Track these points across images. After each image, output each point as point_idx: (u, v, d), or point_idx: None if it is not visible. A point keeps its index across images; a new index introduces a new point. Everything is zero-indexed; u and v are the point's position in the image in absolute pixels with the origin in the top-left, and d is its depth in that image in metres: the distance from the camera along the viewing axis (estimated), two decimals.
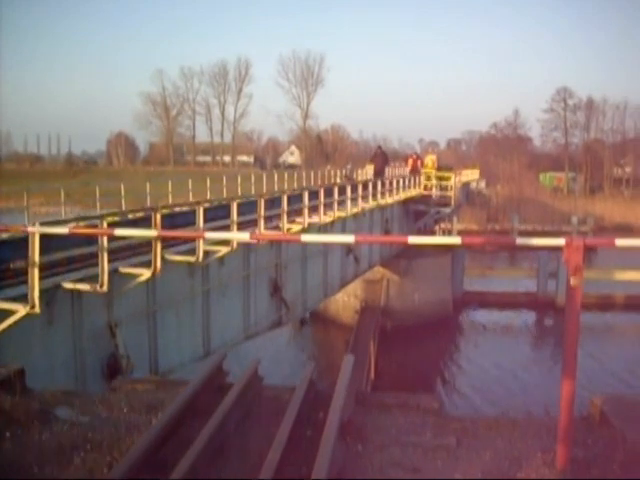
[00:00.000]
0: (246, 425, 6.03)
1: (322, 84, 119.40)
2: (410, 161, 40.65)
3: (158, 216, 11.74)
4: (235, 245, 14.36)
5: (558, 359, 30.42)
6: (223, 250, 14.27)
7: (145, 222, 12.98)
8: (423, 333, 30.89)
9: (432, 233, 43.65)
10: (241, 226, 15.10)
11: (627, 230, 67.07)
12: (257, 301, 17.40)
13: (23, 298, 9.77)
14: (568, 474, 5.19)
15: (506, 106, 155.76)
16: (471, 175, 57.44)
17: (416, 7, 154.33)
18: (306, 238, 5.25)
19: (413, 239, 5.09)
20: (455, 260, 37.31)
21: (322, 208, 19.96)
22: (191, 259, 13.40)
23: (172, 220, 15.13)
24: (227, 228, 14.49)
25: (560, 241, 5.08)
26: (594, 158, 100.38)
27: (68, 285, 10.84)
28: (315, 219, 19.41)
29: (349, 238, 4.99)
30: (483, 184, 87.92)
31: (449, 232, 52.66)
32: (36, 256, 9.54)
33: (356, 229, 24.46)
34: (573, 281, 4.97)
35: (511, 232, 60.21)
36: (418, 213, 36.44)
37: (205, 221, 13.42)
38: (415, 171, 38.05)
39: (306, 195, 18.73)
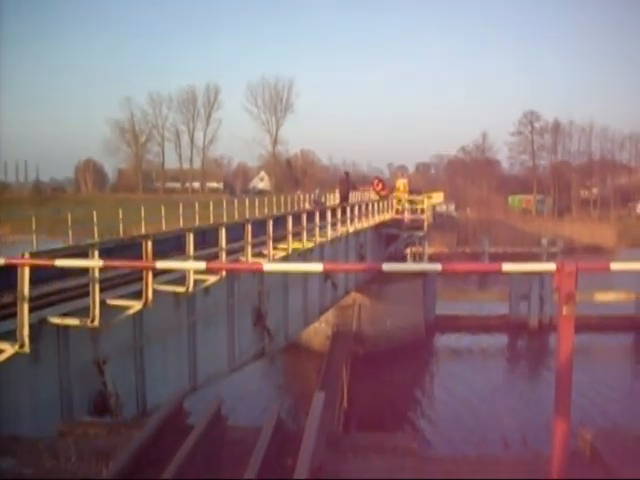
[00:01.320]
0: (208, 473, 5.47)
1: (291, 109, 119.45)
2: (374, 184, 40.08)
3: (149, 244, 11.07)
4: (224, 273, 13.85)
5: (533, 382, 30.19)
6: (211, 279, 13.70)
7: (126, 250, 12.33)
8: (396, 358, 30.38)
9: (403, 257, 43.38)
10: (229, 252, 14.79)
11: (597, 251, 67.52)
12: (241, 331, 16.80)
13: (8, 335, 9.00)
14: None
15: (474, 130, 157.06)
16: (435, 198, 57.34)
17: (384, 33, 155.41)
18: (268, 267, 4.75)
19: (388, 267, 4.62)
20: (427, 284, 36.96)
21: (305, 234, 19.87)
22: (180, 289, 12.79)
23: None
24: (215, 255, 14.12)
25: (550, 266, 4.65)
26: (561, 180, 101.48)
27: (55, 320, 10.04)
28: (297, 245, 19.17)
29: (317, 267, 4.50)
30: (452, 207, 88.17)
31: (420, 256, 52.37)
32: (25, 290, 8.75)
33: (333, 254, 24.21)
34: (566, 310, 4.53)
35: (482, 255, 59.98)
36: (390, 237, 36.14)
37: (195, 248, 13.00)
38: (381, 194, 37.57)
39: (290, 221, 18.55)
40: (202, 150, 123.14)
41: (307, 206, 34.57)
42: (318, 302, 23.50)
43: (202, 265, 4.91)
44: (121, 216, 22.03)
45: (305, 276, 21.27)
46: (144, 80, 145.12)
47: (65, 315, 10.32)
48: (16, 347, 8.80)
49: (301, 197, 38.58)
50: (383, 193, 36.98)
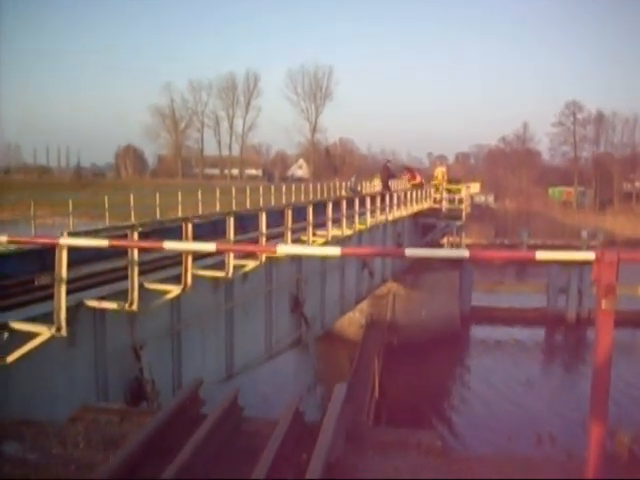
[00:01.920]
0: (219, 465, 5.21)
1: (330, 97, 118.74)
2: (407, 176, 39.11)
3: (189, 226, 10.85)
4: (264, 259, 13.66)
5: (569, 377, 29.53)
6: (250, 264, 13.49)
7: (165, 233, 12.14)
8: (430, 349, 29.93)
9: (440, 247, 42.82)
10: (268, 237, 14.58)
11: (638, 244, 65.96)
12: (278, 318, 16.56)
13: (45, 318, 8.80)
14: None
15: (515, 120, 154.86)
16: (472, 188, 56.12)
17: (427, 21, 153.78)
18: (282, 250, 4.47)
19: (410, 252, 4.28)
20: (463, 275, 36.39)
21: (344, 221, 19.72)
22: (220, 274, 12.57)
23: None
24: (256, 240, 13.97)
25: (589, 255, 4.25)
26: (604, 172, 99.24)
27: (92, 303, 9.81)
28: (337, 232, 18.97)
29: (335, 250, 4.18)
30: (491, 199, 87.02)
31: (457, 246, 51.74)
32: (63, 271, 8.44)
33: (370, 242, 23.91)
34: (605, 303, 4.12)
35: (520, 246, 59.14)
36: (427, 226, 35.58)
37: (235, 232, 12.86)
38: (413, 184, 36.60)
39: (330, 207, 18.34)
40: (241, 137, 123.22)
41: (343, 193, 34.15)
42: (355, 291, 23.25)
43: (212, 247, 4.64)
44: (158, 201, 21.97)
45: (343, 263, 21.10)
46: (185, 66, 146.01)
47: (102, 298, 10.10)
48: (53, 330, 8.55)
49: (337, 185, 38.21)
50: (414, 182, 36.08)
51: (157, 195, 22.44)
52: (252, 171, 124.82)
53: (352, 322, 32.71)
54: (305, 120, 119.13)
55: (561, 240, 61.78)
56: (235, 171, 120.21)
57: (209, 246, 4.43)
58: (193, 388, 6.34)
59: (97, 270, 12.18)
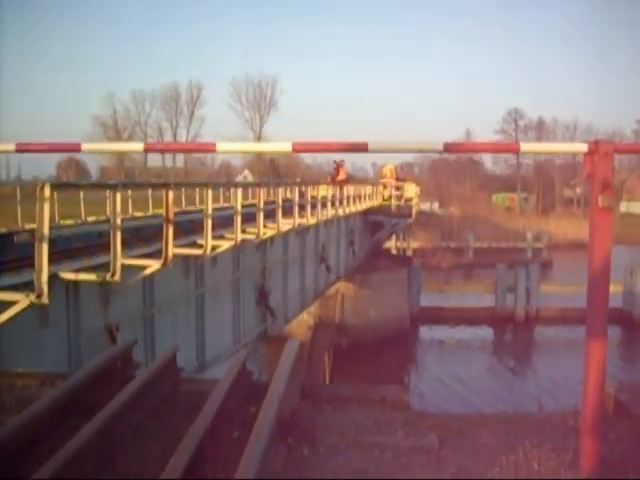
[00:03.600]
0: (153, 423, 4.41)
1: (275, 107, 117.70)
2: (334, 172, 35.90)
3: (170, 194, 9.90)
4: (239, 239, 13.04)
5: (520, 373, 29.30)
6: (225, 245, 12.77)
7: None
8: (380, 350, 29.30)
9: (387, 250, 42.53)
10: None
11: (581, 246, 66.81)
12: (245, 309, 15.78)
13: (20, 288, 7.73)
14: (599, 476, 3.69)
15: (458, 128, 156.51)
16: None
17: (370, 33, 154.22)
18: (222, 147, 3.76)
19: (374, 146, 3.57)
20: (411, 275, 35.95)
21: (309, 210, 19.48)
22: (198, 252, 11.75)
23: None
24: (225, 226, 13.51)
25: (582, 146, 3.64)
26: (545, 179, 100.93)
27: (68, 275, 8.56)
28: (302, 220, 18.56)
29: (286, 146, 3.45)
30: (436, 205, 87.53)
31: (404, 250, 51.62)
32: (45, 226, 7.38)
33: (327, 236, 23.45)
34: (602, 200, 3.52)
35: (466, 250, 59.43)
36: (376, 225, 34.91)
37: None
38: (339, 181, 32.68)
39: (296, 200, 18.37)
40: None
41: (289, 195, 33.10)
42: (313, 285, 22.54)
43: (140, 146, 3.90)
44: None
45: (303, 256, 20.59)
46: (126, 77, 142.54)
47: (78, 271, 8.94)
48: (32, 297, 7.42)
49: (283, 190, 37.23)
50: (338, 178, 33.43)
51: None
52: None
53: (300, 324, 31.84)
54: (250, 130, 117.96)
55: (506, 242, 62.22)
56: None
57: (137, 146, 3.68)
58: (123, 348, 5.53)
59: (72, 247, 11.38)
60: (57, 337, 8.98)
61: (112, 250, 8.72)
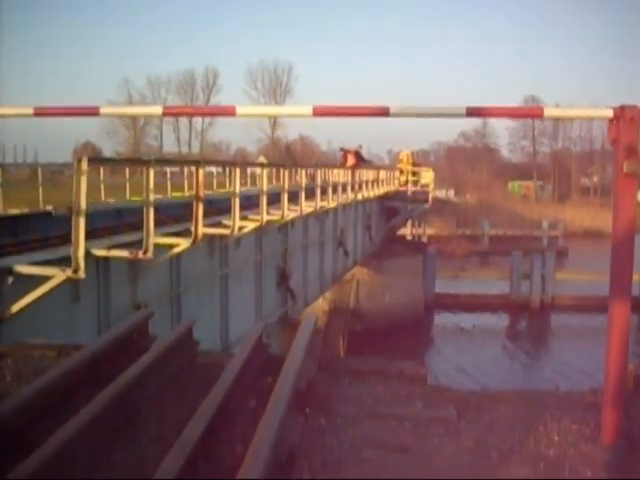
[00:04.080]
0: (166, 395, 4.39)
1: (290, 94, 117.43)
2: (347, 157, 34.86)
3: (201, 172, 9.90)
4: (264, 220, 13.17)
5: (535, 359, 29.21)
6: (250, 225, 12.86)
7: None
8: (394, 335, 29.28)
9: (402, 237, 42.40)
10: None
11: (597, 235, 66.38)
12: (267, 291, 15.91)
13: (55, 263, 7.78)
14: (622, 449, 3.63)
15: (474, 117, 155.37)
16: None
17: (383, 20, 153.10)
18: (242, 111, 3.74)
19: (395, 109, 3.50)
20: (426, 261, 35.85)
21: (330, 194, 20.02)
22: (225, 231, 11.81)
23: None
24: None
25: (607, 111, 3.56)
26: (562, 167, 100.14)
27: (100, 252, 8.57)
28: (323, 203, 18.97)
29: (307, 109, 3.40)
30: (452, 193, 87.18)
31: (419, 237, 51.42)
32: (82, 200, 7.34)
33: (344, 220, 23.52)
34: (627, 166, 3.45)
35: (481, 237, 59.19)
36: (392, 211, 34.76)
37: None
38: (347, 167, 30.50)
39: (319, 182, 18.80)
40: (200, 134, 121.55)
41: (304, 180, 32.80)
42: (332, 270, 22.72)
43: (158, 109, 3.88)
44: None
45: (322, 240, 20.69)
46: (142, 63, 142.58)
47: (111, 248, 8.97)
48: (68, 272, 7.39)
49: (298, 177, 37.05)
50: (347, 164, 32.20)
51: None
52: (212, 168, 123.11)
53: (315, 309, 31.84)
54: (265, 117, 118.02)
55: (522, 230, 61.87)
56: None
57: (156, 109, 3.59)
58: (138, 320, 5.51)
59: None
60: (88, 313, 9.07)
61: (145, 227, 8.66)
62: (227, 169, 17.39)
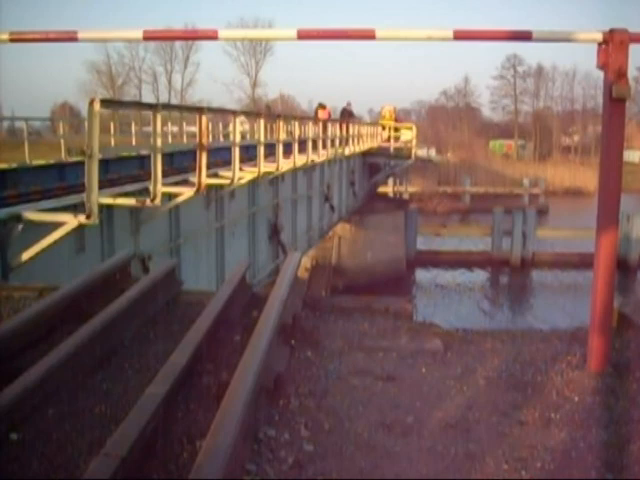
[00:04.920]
0: (149, 330, 4.33)
1: (271, 52, 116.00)
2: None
3: (204, 119, 9.70)
4: (262, 170, 13.06)
5: (516, 313, 29.48)
6: (248, 176, 12.75)
7: None
8: (376, 292, 29.30)
9: (384, 194, 42.24)
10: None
11: (577, 193, 66.77)
12: (260, 244, 15.87)
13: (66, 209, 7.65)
14: (608, 375, 3.63)
15: (456, 75, 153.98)
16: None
17: None
18: (224, 34, 3.61)
19: (381, 33, 3.40)
20: (408, 218, 35.79)
21: (320, 148, 19.85)
22: (226, 181, 11.73)
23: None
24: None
25: (596, 35, 3.49)
26: (543, 126, 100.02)
27: (106, 200, 8.31)
28: (314, 157, 18.57)
29: (290, 33, 3.27)
30: (433, 152, 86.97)
31: (401, 195, 51.33)
32: (95, 143, 7.05)
33: (330, 175, 23.30)
34: (616, 91, 3.38)
35: (463, 195, 59.26)
36: (374, 167, 34.52)
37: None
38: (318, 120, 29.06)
39: (310, 135, 18.63)
40: (180, 93, 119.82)
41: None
42: (319, 224, 22.51)
43: (139, 33, 3.75)
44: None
45: (310, 194, 20.50)
46: (119, 22, 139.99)
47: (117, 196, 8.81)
48: (81, 218, 7.21)
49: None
50: (320, 117, 30.72)
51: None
52: (192, 128, 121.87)
53: None
54: (245, 75, 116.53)
55: (503, 188, 61.99)
56: (175, 128, 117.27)
57: (136, 33, 3.48)
58: (121, 261, 5.42)
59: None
60: (93, 263, 8.86)
61: (152, 173, 8.43)
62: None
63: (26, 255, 7.12)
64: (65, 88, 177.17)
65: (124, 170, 14.40)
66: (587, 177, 74.00)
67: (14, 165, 14.26)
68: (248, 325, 4.11)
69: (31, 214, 7.26)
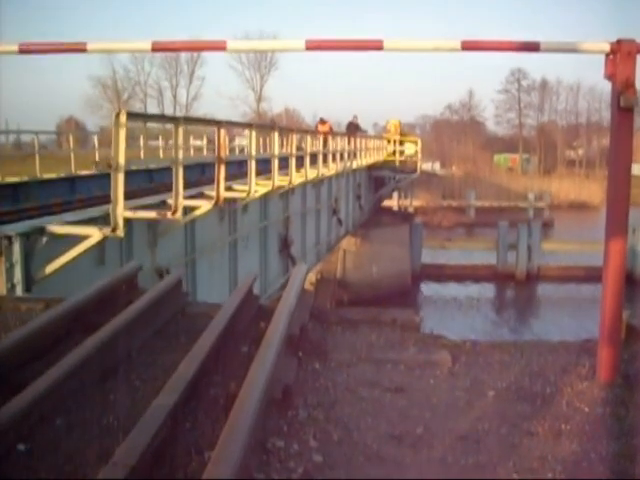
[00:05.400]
0: (156, 342, 4.32)
1: (276, 66, 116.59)
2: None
3: (222, 132, 9.76)
4: (276, 182, 13.17)
5: (522, 326, 29.36)
6: (263, 189, 12.83)
7: None
8: (381, 306, 29.19)
9: (389, 209, 42.25)
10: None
11: (582, 207, 66.70)
12: (271, 257, 15.89)
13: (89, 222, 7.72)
14: (618, 387, 3.60)
15: (460, 90, 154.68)
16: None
17: None
18: (233, 46, 3.63)
19: (390, 42, 3.41)
20: (413, 231, 35.79)
21: (330, 161, 20.15)
22: (241, 195, 11.83)
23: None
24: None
25: (603, 46, 3.49)
26: (548, 140, 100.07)
27: (127, 213, 8.02)
28: (323, 170, 18.85)
29: (299, 43, 3.28)
30: (438, 165, 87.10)
31: (406, 209, 51.37)
32: (121, 155, 7.01)
33: (337, 189, 23.39)
34: (624, 101, 3.39)
35: (467, 209, 59.23)
36: (379, 181, 34.55)
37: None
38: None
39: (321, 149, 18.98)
40: (185, 108, 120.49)
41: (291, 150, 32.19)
42: (327, 238, 22.56)
43: (147, 45, 3.77)
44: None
45: (318, 208, 20.48)
46: (124, 36, 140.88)
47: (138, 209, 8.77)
48: (106, 231, 7.19)
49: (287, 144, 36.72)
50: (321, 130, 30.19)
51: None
52: (197, 142, 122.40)
53: None
54: (250, 90, 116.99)
55: (508, 202, 61.95)
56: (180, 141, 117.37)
57: (145, 45, 3.52)
58: (128, 273, 5.43)
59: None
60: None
61: (174, 186, 8.43)
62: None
63: (50, 268, 7.13)
64: (70, 103, 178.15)
65: (134, 183, 14.60)
66: (592, 190, 73.97)
67: (25, 178, 14.46)
68: (256, 337, 4.10)
69: (55, 227, 7.27)
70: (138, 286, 5.44)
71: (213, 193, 9.90)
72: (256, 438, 2.83)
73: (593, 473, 2.82)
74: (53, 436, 2.98)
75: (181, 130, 8.74)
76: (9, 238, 6.58)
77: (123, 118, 6.98)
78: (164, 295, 4.83)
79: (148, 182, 16.92)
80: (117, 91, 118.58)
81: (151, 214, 8.67)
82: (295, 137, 15.53)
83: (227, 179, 12.06)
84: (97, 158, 21.33)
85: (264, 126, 15.26)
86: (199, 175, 16.70)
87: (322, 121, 34.48)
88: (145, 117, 8.67)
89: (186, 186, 11.11)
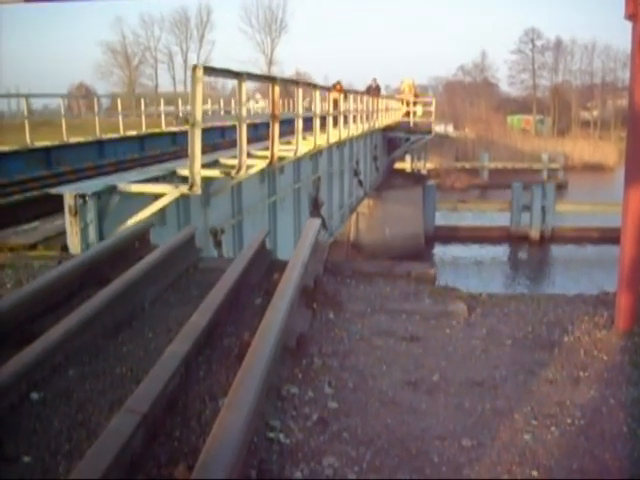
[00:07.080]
0: (169, 295, 4.29)
1: (286, 29, 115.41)
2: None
3: (277, 88, 9.56)
4: (317, 144, 13.35)
5: (537, 286, 29.28)
6: (305, 148, 12.76)
7: None
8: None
9: (402, 170, 41.99)
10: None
11: (598, 169, 66.07)
12: (303, 220, 15.58)
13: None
14: (637, 335, 3.54)
15: (474, 50, 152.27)
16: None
17: None
18: None
19: None
20: (426, 193, 35.56)
21: (351, 122, 19.49)
22: (289, 154, 11.70)
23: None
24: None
25: None
26: (562, 101, 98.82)
27: (184, 172, 7.99)
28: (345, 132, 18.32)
29: None
30: (451, 128, 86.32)
31: (419, 171, 51.04)
32: (199, 110, 6.89)
33: (357, 150, 23.32)
34: None
35: (481, 170, 58.79)
36: (392, 143, 34.23)
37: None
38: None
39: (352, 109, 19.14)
40: None
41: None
42: (349, 200, 22.52)
43: None
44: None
45: (342, 169, 20.47)
46: (134, 1, 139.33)
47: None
48: (183, 189, 7.10)
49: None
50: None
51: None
52: (208, 106, 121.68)
53: None
54: (261, 53, 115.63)
55: (522, 163, 61.42)
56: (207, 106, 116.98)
57: None
58: (141, 229, 5.39)
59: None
60: (171, 236, 8.79)
61: (238, 144, 8.26)
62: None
63: (122, 228, 7.00)
64: (81, 69, 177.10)
65: (158, 147, 14.76)
66: (606, 152, 73.21)
67: (56, 142, 14.76)
68: (269, 289, 4.06)
69: (128, 185, 7.13)
70: (150, 243, 5.41)
71: (258, 152, 9.76)
72: (270, 384, 2.79)
73: (613, 417, 2.77)
74: (66, 386, 2.96)
75: (244, 86, 8.53)
76: (83, 197, 6.40)
77: (199, 72, 6.84)
78: (176, 250, 4.79)
79: (172, 145, 17.30)
80: (127, 57, 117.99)
81: (215, 172, 8.55)
82: (335, 95, 15.47)
83: (250, 141, 11.97)
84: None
85: (311, 84, 14.92)
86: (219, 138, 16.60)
87: (334, 85, 34.21)
88: (217, 72, 8.44)
89: (211, 149, 11.00)
